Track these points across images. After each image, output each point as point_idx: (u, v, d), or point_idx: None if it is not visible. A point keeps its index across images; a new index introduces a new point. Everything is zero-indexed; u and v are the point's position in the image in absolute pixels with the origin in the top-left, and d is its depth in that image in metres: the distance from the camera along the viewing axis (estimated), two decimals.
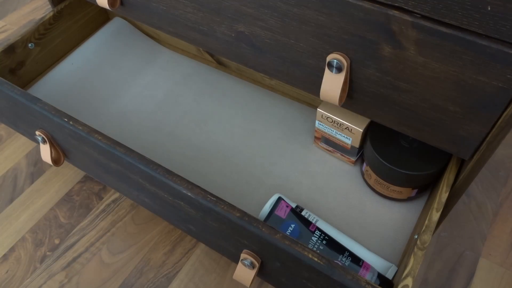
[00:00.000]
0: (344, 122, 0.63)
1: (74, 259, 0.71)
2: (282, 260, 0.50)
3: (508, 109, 0.39)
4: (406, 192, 0.62)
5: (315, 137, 0.71)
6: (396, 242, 0.62)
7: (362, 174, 0.68)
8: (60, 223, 0.75)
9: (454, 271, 0.68)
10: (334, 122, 0.64)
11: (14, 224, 0.75)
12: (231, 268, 0.70)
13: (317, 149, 0.73)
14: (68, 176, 0.81)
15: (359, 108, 0.50)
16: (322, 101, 0.68)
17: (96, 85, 0.82)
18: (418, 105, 0.45)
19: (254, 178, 0.70)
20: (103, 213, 0.76)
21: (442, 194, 0.53)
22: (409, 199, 0.64)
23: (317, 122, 0.67)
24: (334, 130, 0.66)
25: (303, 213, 0.63)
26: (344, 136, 0.65)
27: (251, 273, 0.55)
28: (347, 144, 0.66)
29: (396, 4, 0.38)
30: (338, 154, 0.70)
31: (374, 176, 0.63)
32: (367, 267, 0.57)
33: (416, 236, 0.51)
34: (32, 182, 0.80)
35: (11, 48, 0.75)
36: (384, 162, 0.59)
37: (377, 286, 0.46)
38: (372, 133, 0.62)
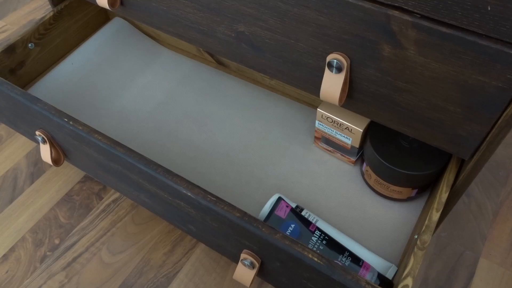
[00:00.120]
0: (344, 122, 0.63)
1: (74, 259, 0.71)
2: (282, 260, 0.50)
3: (508, 109, 0.39)
4: (406, 192, 0.62)
5: (315, 137, 0.71)
6: (396, 242, 0.62)
7: (362, 174, 0.68)
8: (60, 223, 0.75)
9: (454, 271, 0.68)
10: (334, 122, 0.64)
11: (14, 224, 0.75)
12: (231, 268, 0.70)
13: (317, 149, 0.73)
14: (68, 176, 0.81)
15: (359, 108, 0.50)
16: (322, 101, 0.68)
17: (96, 85, 0.82)
18: (418, 105, 0.45)
19: (254, 178, 0.70)
20: (103, 213, 0.76)
21: (442, 194, 0.53)
22: (409, 199, 0.64)
23: (317, 122, 0.67)
24: (334, 130, 0.66)
25: (303, 213, 0.63)
26: (344, 136, 0.65)
27: (251, 273, 0.55)
28: (347, 144, 0.66)
29: (396, 4, 0.38)
30: (338, 154, 0.70)
31: (374, 176, 0.63)
32: (367, 267, 0.57)
33: (416, 236, 0.51)
34: (32, 182, 0.80)
35: (11, 48, 0.75)
36: (384, 162, 0.59)
37: (377, 286, 0.46)
38: (372, 133, 0.62)
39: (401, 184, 0.61)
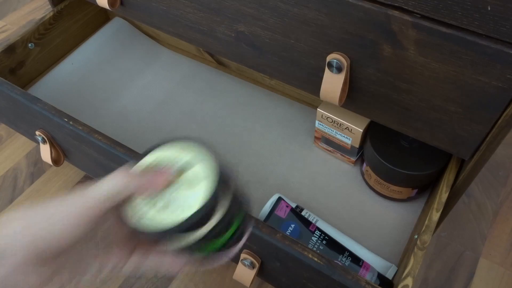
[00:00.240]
0: (344, 122, 0.63)
1: None
2: (282, 260, 0.50)
3: (508, 109, 0.39)
4: (406, 192, 0.62)
5: (315, 137, 0.71)
6: (396, 242, 0.62)
7: (362, 174, 0.68)
8: None
9: (454, 271, 0.68)
10: (334, 122, 0.64)
11: None
12: (231, 268, 0.70)
13: (317, 149, 0.73)
14: (68, 176, 0.81)
15: (359, 108, 0.50)
16: (322, 101, 0.68)
17: (96, 85, 0.82)
18: (418, 105, 0.45)
19: (254, 178, 0.70)
20: None
21: (442, 194, 0.53)
22: (409, 199, 0.64)
23: (317, 122, 0.67)
24: (334, 130, 0.66)
25: (303, 213, 0.63)
26: (344, 136, 0.65)
27: (251, 273, 0.55)
28: (347, 144, 0.66)
29: (396, 4, 0.38)
30: (338, 154, 0.70)
31: (374, 176, 0.63)
32: (367, 267, 0.57)
33: (416, 236, 0.51)
34: (32, 182, 0.80)
35: (11, 48, 0.75)
36: (384, 162, 0.59)
37: (377, 286, 0.46)
38: (372, 133, 0.62)
39: (401, 184, 0.61)
